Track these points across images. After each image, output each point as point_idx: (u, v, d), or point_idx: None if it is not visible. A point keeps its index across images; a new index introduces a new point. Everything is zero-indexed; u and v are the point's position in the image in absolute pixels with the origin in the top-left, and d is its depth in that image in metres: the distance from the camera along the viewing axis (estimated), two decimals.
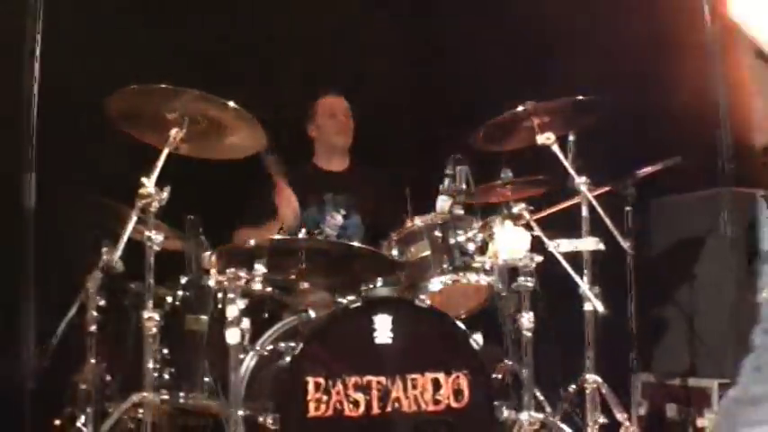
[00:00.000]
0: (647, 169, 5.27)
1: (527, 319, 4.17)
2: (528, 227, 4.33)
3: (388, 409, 3.91)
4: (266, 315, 4.38)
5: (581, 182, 4.46)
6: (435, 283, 4.35)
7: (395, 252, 4.45)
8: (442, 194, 4.47)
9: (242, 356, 3.90)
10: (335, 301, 4.30)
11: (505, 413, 4.06)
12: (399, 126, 6.40)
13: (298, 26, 6.09)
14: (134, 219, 3.70)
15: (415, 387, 3.95)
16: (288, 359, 3.88)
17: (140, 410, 3.81)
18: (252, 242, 4.03)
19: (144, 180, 3.78)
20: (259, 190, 5.16)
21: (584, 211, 4.54)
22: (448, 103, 6.30)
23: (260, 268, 3.93)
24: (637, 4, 5.88)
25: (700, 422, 5.54)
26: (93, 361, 4.13)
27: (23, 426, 4.69)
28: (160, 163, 3.84)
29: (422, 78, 6.42)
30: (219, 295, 4.16)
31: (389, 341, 3.96)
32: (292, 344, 3.95)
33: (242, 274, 3.80)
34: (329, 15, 6.06)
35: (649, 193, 5.75)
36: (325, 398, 3.82)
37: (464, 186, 4.49)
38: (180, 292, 4.27)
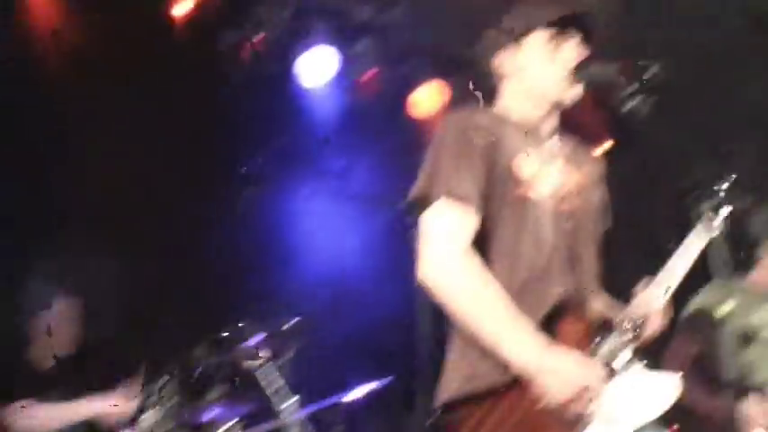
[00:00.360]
0: (356, 390, 5.38)
1: None
2: None
3: None
4: None
5: (290, 402, 4.55)
6: None
7: None
8: (149, 407, 4.42)
9: None
10: None
11: None
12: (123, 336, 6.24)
13: None
14: None
15: None
16: None
17: None
18: None
19: None
20: None
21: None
22: (163, 317, 6.22)
23: None
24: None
25: None
26: None
27: None
28: None
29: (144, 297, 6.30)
30: None
31: None
32: None
33: None
34: None
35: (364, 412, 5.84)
36: None
37: (174, 400, 4.47)
38: None
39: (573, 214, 3.09)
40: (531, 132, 3.12)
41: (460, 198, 2.89)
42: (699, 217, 3.11)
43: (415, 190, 2.99)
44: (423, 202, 2.95)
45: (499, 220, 2.94)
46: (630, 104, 2.98)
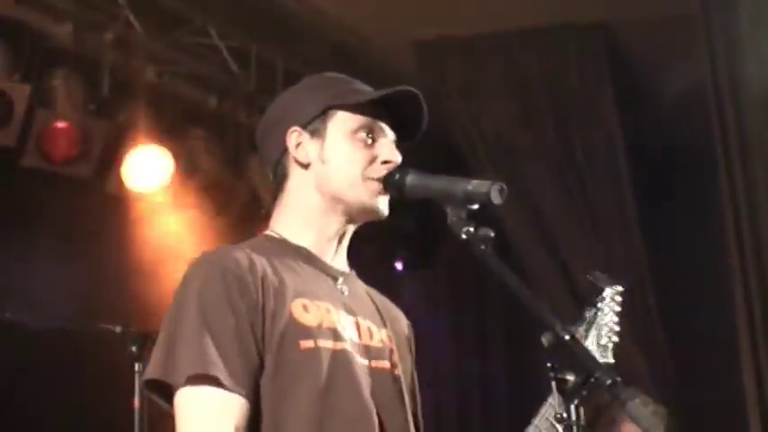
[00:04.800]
0: None
1: None
2: None
3: None
4: None
5: None
6: None
7: None
8: None
9: None
10: None
11: None
12: None
13: None
14: None
15: None
16: None
17: None
18: None
19: None
20: None
21: None
22: None
23: None
24: None
25: None
26: None
27: None
28: None
29: None
30: None
31: None
32: None
33: None
34: None
35: None
36: None
37: None
38: None
39: (388, 374, 2.39)
40: (317, 261, 2.42)
41: (211, 381, 2.15)
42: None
43: (150, 368, 2.23)
44: (163, 387, 2.21)
45: (289, 382, 2.23)
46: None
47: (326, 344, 2.28)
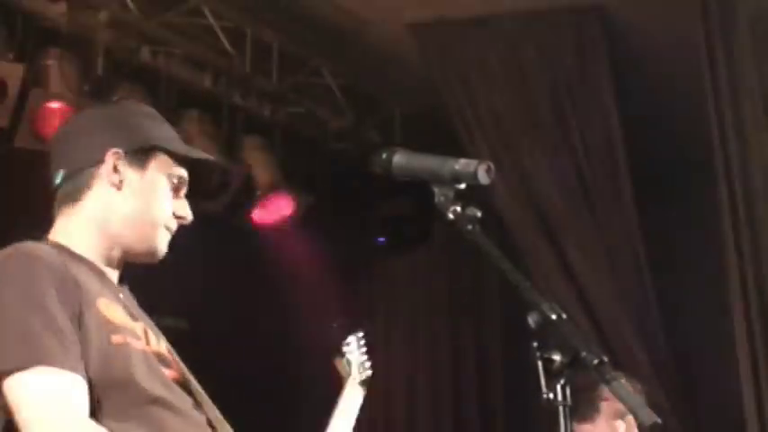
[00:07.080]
0: None
1: None
2: None
3: None
4: None
5: None
6: None
7: None
8: None
9: None
10: None
11: None
12: None
13: None
14: None
15: None
16: None
17: None
18: None
19: None
20: None
21: None
22: None
23: None
24: None
25: None
26: None
27: None
28: None
29: None
30: None
31: None
32: None
33: None
34: None
35: None
36: None
37: None
38: None
39: (180, 383, 2.35)
40: (100, 273, 2.39)
41: (55, 362, 2.10)
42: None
43: None
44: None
45: (111, 373, 2.18)
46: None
47: (136, 343, 2.26)
